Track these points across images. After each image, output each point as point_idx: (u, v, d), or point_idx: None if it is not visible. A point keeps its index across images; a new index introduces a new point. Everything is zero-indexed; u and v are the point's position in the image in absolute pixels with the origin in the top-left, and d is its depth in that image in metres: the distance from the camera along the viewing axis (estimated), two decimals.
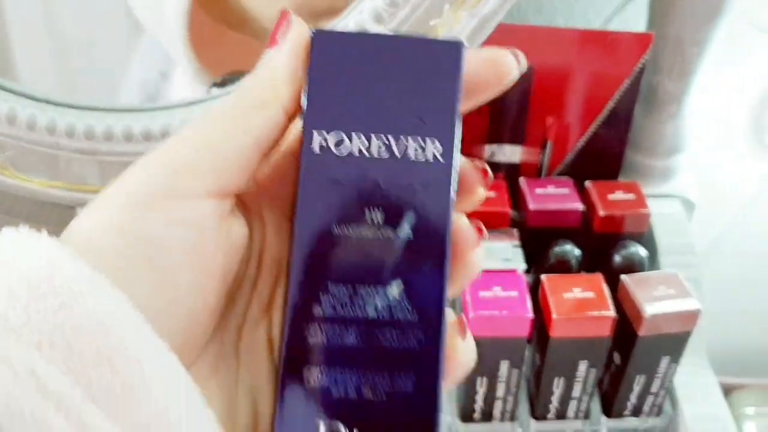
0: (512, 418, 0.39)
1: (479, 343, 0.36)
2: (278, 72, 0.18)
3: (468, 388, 0.37)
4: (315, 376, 0.19)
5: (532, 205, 0.40)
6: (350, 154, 0.20)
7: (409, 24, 0.37)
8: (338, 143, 0.20)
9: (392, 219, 0.19)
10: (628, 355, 0.37)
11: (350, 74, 0.19)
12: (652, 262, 0.42)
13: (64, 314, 0.14)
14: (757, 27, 0.47)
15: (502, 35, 0.38)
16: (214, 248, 0.17)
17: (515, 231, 0.39)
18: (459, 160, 0.19)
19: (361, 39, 0.19)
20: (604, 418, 0.39)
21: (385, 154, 0.20)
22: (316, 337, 0.19)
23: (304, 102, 0.19)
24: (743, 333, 0.61)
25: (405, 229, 0.20)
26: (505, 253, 0.37)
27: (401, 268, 0.19)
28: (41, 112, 0.39)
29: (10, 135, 0.39)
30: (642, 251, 0.40)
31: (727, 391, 0.56)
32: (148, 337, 0.15)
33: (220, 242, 0.17)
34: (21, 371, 0.14)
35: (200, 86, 0.46)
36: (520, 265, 0.37)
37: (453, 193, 0.19)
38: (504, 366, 0.36)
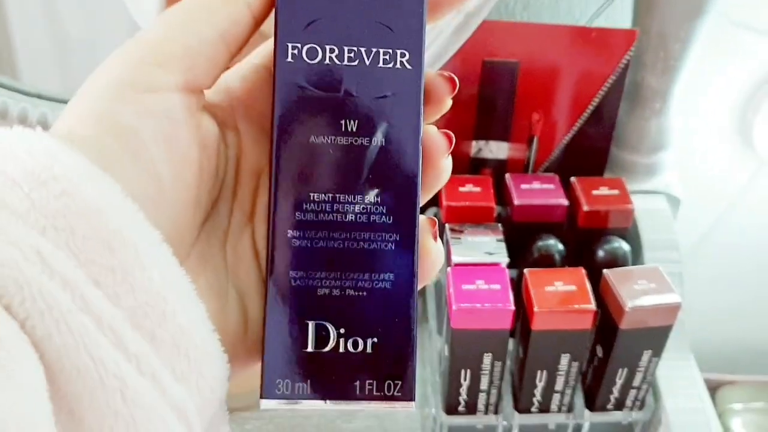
0: (496, 411, 0.39)
1: (463, 335, 0.36)
2: None
3: (452, 380, 0.37)
4: (300, 278, 0.20)
5: (517, 201, 0.40)
6: (322, 63, 0.20)
7: None
8: (310, 53, 0.20)
9: (366, 127, 0.20)
10: (610, 348, 0.37)
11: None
12: (636, 257, 0.42)
13: (66, 200, 0.15)
14: (742, 26, 0.48)
15: (488, 31, 0.38)
16: (188, 140, 0.18)
17: (499, 226, 0.39)
18: (426, 70, 0.20)
19: None
20: (587, 412, 0.40)
21: (355, 62, 0.20)
22: (300, 241, 0.20)
23: (276, 15, 0.20)
24: (730, 330, 0.61)
25: (379, 137, 0.21)
26: (488, 247, 0.38)
27: (377, 174, 0.21)
28: (51, 112, 0.39)
29: None
30: (625, 246, 0.40)
31: (715, 387, 0.57)
32: (142, 224, 0.16)
33: (192, 134, 0.18)
34: (29, 253, 0.14)
35: None
36: (503, 259, 0.37)
37: (422, 101, 0.20)
38: (487, 359, 0.36)
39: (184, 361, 0.16)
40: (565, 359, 0.37)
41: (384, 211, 0.21)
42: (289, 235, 0.20)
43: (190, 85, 0.18)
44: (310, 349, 0.20)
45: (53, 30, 0.51)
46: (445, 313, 0.40)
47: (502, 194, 0.42)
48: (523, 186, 0.41)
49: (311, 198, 0.20)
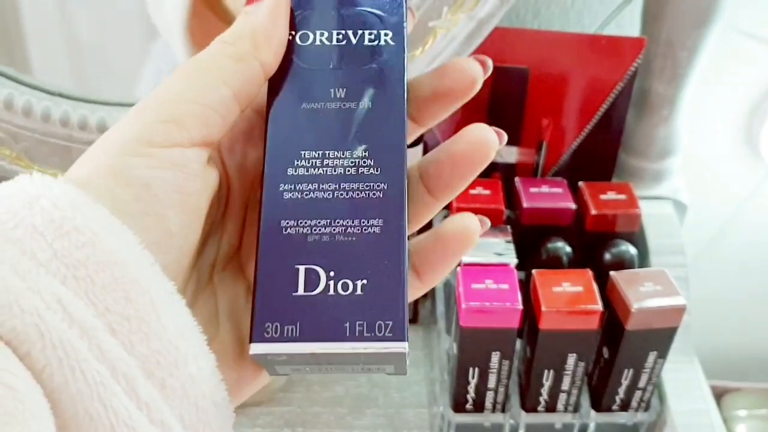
0: (503, 410, 0.40)
1: (471, 333, 0.37)
2: (259, 27, 0.20)
3: (460, 378, 0.38)
4: (291, 227, 0.20)
5: (526, 204, 0.41)
6: (313, 44, 0.22)
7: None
8: (302, 38, 0.22)
9: (353, 93, 0.22)
10: (616, 349, 0.38)
11: None
12: (643, 261, 0.43)
13: (87, 251, 0.16)
14: (750, 35, 0.48)
15: (499, 38, 0.39)
16: (199, 191, 0.19)
17: (508, 228, 0.40)
18: (408, 43, 0.22)
19: None
20: (593, 412, 0.40)
21: (343, 42, 0.22)
22: (291, 194, 0.21)
23: None
24: (735, 337, 0.62)
25: (365, 101, 0.22)
26: (497, 248, 0.39)
27: (364, 133, 0.22)
28: (56, 105, 0.41)
29: (26, 127, 0.41)
30: (632, 250, 0.41)
31: (720, 393, 0.57)
32: (157, 275, 0.17)
33: (203, 184, 0.19)
34: (50, 301, 0.15)
35: None
36: (511, 260, 0.38)
37: (405, 69, 0.22)
38: (495, 357, 0.37)
39: (192, 410, 0.17)
40: (571, 359, 0.38)
41: (372, 163, 0.21)
42: (280, 188, 0.21)
43: (205, 140, 0.19)
44: (300, 292, 0.20)
45: (66, 33, 0.52)
46: (454, 313, 0.41)
47: (511, 198, 0.43)
48: (532, 190, 0.42)
49: (302, 155, 0.21)
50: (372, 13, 0.22)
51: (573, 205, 0.41)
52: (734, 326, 0.61)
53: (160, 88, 0.19)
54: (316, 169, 0.21)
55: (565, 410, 0.40)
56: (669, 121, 0.44)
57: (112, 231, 0.17)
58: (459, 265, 0.38)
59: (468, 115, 0.44)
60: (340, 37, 0.22)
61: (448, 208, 0.43)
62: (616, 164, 0.46)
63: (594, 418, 0.40)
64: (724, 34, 0.42)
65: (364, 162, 0.21)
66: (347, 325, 0.19)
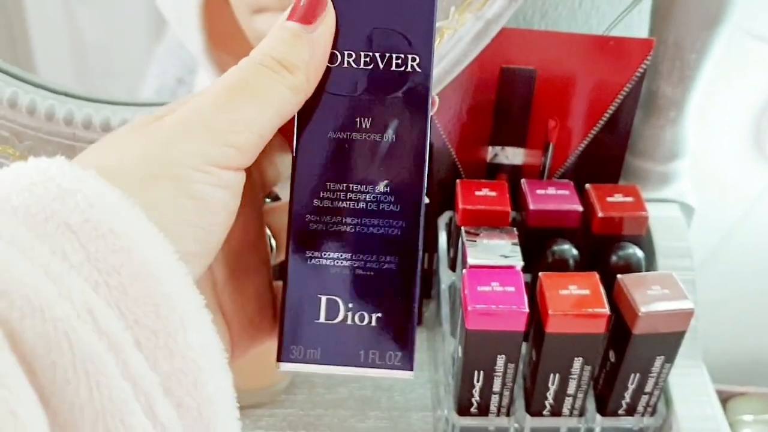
0: (508, 413, 0.39)
1: (477, 336, 0.37)
2: (316, 62, 0.20)
3: (465, 381, 0.38)
4: (315, 257, 0.22)
5: (532, 206, 0.41)
6: (341, 66, 0.23)
7: None
8: (331, 58, 0.23)
9: (378, 124, 0.23)
10: (623, 353, 0.37)
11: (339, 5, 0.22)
12: (650, 264, 0.42)
13: (122, 258, 0.15)
14: (759, 37, 0.48)
15: (506, 39, 0.39)
16: (235, 208, 0.19)
17: (514, 230, 0.40)
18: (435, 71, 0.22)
19: None
20: (599, 417, 0.40)
21: (370, 65, 0.23)
22: (316, 225, 0.22)
23: None
24: (742, 341, 0.61)
25: (389, 134, 0.23)
26: (503, 250, 0.38)
27: (387, 168, 0.23)
28: (60, 104, 0.40)
29: (30, 126, 0.41)
30: (639, 253, 0.41)
31: (726, 398, 0.57)
32: (190, 289, 0.17)
33: (238, 203, 0.20)
34: (81, 309, 0.15)
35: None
36: (518, 262, 0.38)
37: (431, 101, 0.22)
38: (500, 360, 0.37)
39: (204, 430, 0.17)
40: (577, 363, 0.37)
41: (392, 200, 0.23)
42: (307, 219, 0.22)
43: (248, 163, 0.19)
44: (321, 320, 0.22)
45: (71, 32, 0.52)
46: (458, 315, 0.40)
47: (517, 199, 0.43)
48: (539, 191, 0.42)
49: (327, 187, 0.23)
50: (401, 33, 0.22)
51: (580, 208, 0.41)
52: (740, 330, 0.61)
53: (210, 98, 0.19)
54: (340, 202, 0.23)
55: (571, 414, 0.40)
56: (676, 123, 0.44)
57: (150, 239, 0.16)
58: (465, 267, 0.38)
59: (474, 116, 0.44)
60: (368, 60, 0.23)
61: (454, 209, 0.43)
62: (623, 166, 0.46)
63: (600, 422, 0.40)
64: (733, 36, 0.41)
65: (385, 198, 0.23)
66: (362, 352, 0.22)
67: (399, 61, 0.22)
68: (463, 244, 0.39)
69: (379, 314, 0.22)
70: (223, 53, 0.45)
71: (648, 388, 0.39)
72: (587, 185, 0.42)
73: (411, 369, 0.22)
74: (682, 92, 0.42)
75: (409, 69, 0.22)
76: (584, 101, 0.43)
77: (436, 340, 0.45)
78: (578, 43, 0.41)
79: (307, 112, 0.22)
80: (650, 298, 0.36)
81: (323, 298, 0.22)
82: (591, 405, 0.40)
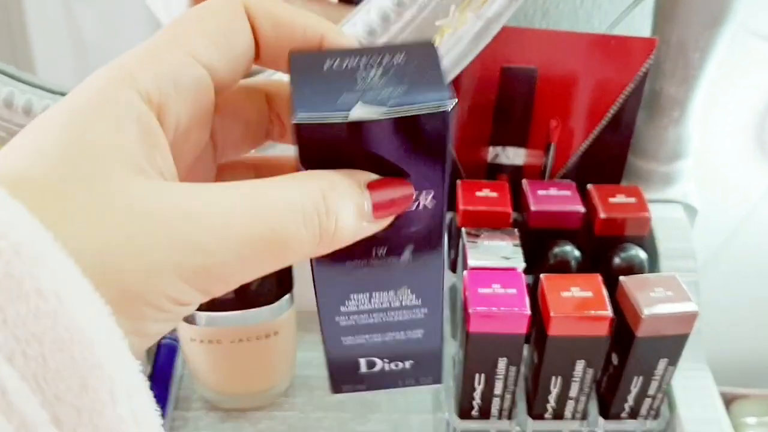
0: (510, 417, 0.39)
1: (478, 339, 0.36)
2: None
3: (466, 384, 0.37)
4: (349, 341, 0.25)
5: (533, 206, 0.40)
6: None
7: (416, 24, 0.37)
8: None
9: (395, 251, 0.23)
10: (626, 356, 0.37)
11: (342, 151, 0.20)
12: (653, 266, 0.42)
13: (46, 323, 0.13)
14: (763, 36, 0.48)
15: (507, 38, 0.39)
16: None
17: (516, 231, 0.39)
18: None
19: (348, 125, 0.20)
20: (601, 420, 0.40)
21: None
22: (346, 321, 0.24)
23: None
24: (745, 342, 0.61)
25: (406, 256, 0.23)
26: (505, 251, 0.38)
27: (406, 276, 0.23)
28: (39, 99, 0.40)
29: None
30: (642, 254, 0.40)
31: (729, 400, 0.56)
32: (124, 353, 0.15)
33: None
34: None
35: None
36: (519, 264, 0.37)
37: (445, 225, 0.22)
38: (502, 363, 0.36)
39: None
40: (580, 366, 0.37)
41: (413, 297, 0.24)
42: (336, 319, 0.24)
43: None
44: (362, 370, 0.25)
45: (71, 33, 0.52)
46: (459, 317, 0.40)
47: (518, 200, 0.42)
48: (540, 192, 0.41)
49: (352, 297, 0.24)
50: (415, 172, 0.21)
51: (582, 208, 0.40)
52: (743, 332, 0.60)
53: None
54: (365, 305, 0.24)
55: (573, 417, 0.39)
56: (680, 123, 0.43)
57: (84, 296, 0.14)
58: (466, 268, 0.37)
59: (475, 116, 0.44)
60: None
61: (454, 210, 0.42)
62: (625, 167, 0.45)
63: (602, 425, 0.40)
64: (736, 36, 0.41)
65: (407, 296, 0.24)
66: (399, 381, 0.26)
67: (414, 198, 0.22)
68: (463, 245, 0.39)
69: (412, 361, 0.25)
70: None
71: (651, 391, 0.38)
72: (589, 186, 0.42)
73: (441, 382, 0.26)
74: (685, 92, 0.42)
75: (421, 204, 0.22)
76: (586, 101, 0.42)
77: None
78: (580, 42, 0.41)
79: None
80: (653, 301, 0.35)
81: (362, 360, 0.25)
82: (593, 408, 0.40)
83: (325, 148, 0.19)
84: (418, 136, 0.20)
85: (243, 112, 0.22)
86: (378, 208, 0.19)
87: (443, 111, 0.19)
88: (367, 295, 0.24)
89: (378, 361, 0.25)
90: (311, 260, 0.22)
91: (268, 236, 0.17)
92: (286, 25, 0.20)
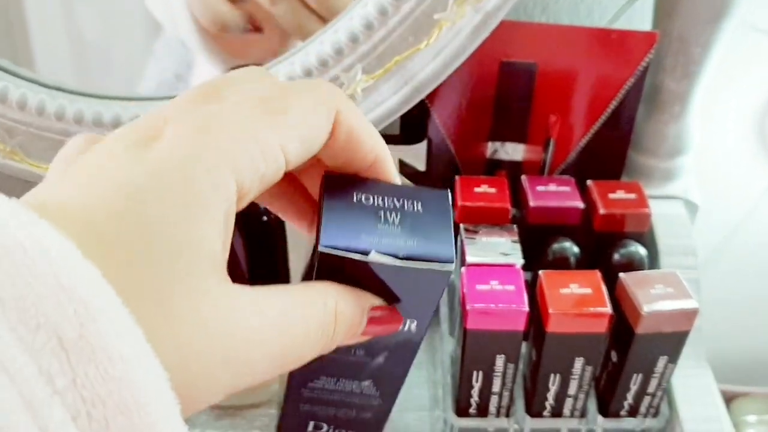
0: (508, 414, 0.39)
1: (476, 336, 0.36)
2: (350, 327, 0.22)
3: (464, 382, 0.37)
4: (306, 409, 0.28)
5: (532, 202, 0.40)
6: None
7: (414, 17, 0.37)
8: None
9: (371, 354, 0.26)
10: (626, 353, 0.36)
11: (352, 277, 0.22)
12: (653, 263, 0.42)
13: (112, 387, 0.14)
14: (764, 31, 0.47)
15: (506, 31, 0.38)
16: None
17: (514, 227, 0.39)
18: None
19: (364, 264, 0.22)
20: (600, 418, 0.39)
21: None
22: (309, 393, 0.27)
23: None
24: (745, 340, 0.60)
25: (379, 360, 0.26)
26: (503, 248, 0.37)
27: (373, 374, 0.27)
28: (51, 99, 0.40)
29: (21, 120, 0.40)
30: (642, 250, 0.40)
31: (729, 399, 0.56)
32: (176, 418, 0.15)
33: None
34: None
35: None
36: (518, 260, 0.37)
37: (422, 340, 0.25)
38: (500, 360, 0.36)
39: None
40: (579, 363, 0.36)
41: (374, 389, 0.27)
42: (301, 391, 0.27)
43: None
44: (309, 430, 0.29)
45: (70, 30, 0.51)
46: (457, 314, 0.40)
47: (516, 196, 0.42)
48: (539, 188, 0.41)
49: (321, 378, 0.27)
50: (406, 302, 0.23)
51: (581, 204, 0.40)
52: (743, 329, 0.60)
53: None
54: (330, 386, 0.27)
55: (572, 415, 0.39)
56: (680, 118, 0.43)
57: (144, 362, 0.14)
58: (463, 265, 0.37)
59: (474, 111, 0.43)
60: None
61: (453, 207, 0.42)
62: (625, 162, 0.45)
63: (601, 423, 0.39)
64: (737, 31, 0.40)
65: (368, 389, 0.27)
66: None
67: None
68: (461, 241, 0.38)
69: None
70: (217, 45, 0.45)
71: (651, 389, 0.38)
72: (589, 181, 0.41)
73: None
74: (686, 87, 0.41)
75: (407, 329, 0.24)
76: (586, 95, 0.42)
77: (434, 339, 0.44)
78: (580, 37, 0.40)
79: None
80: (654, 297, 0.35)
81: (311, 423, 0.28)
82: (592, 406, 0.39)
83: (341, 271, 0.22)
84: (419, 283, 0.23)
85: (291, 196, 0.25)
86: (367, 332, 0.22)
87: (445, 271, 0.22)
88: (335, 379, 0.27)
89: (325, 426, 0.29)
90: None
91: (295, 353, 0.19)
92: (357, 142, 0.21)
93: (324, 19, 0.40)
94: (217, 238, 0.17)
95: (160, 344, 0.15)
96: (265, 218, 0.34)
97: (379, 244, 0.22)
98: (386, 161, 0.22)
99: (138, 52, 0.52)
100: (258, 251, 0.36)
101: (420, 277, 0.22)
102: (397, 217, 0.23)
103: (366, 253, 0.21)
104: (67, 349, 0.13)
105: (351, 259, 0.21)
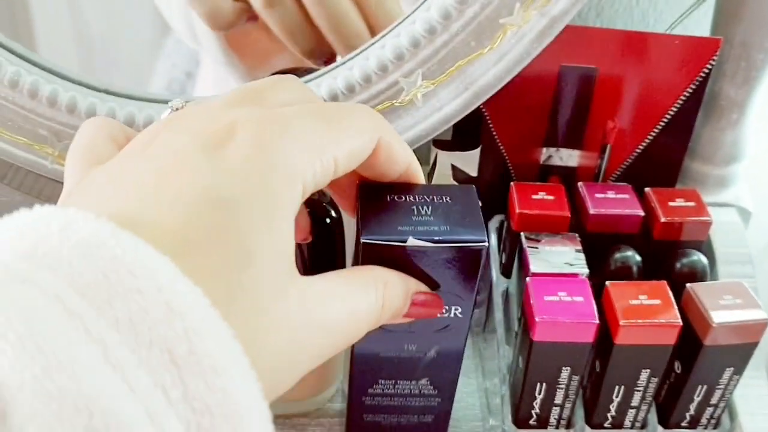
0: (568, 426, 0.38)
1: (543, 348, 0.35)
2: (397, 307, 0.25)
3: (526, 393, 0.36)
4: (369, 418, 0.30)
5: (592, 210, 0.39)
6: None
7: (478, 21, 0.36)
8: None
9: (422, 348, 0.28)
10: (691, 364, 0.36)
11: (394, 267, 0.25)
12: (711, 272, 0.41)
13: (219, 398, 0.15)
14: None
15: (569, 36, 0.38)
16: None
17: (576, 236, 0.38)
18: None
19: (404, 249, 0.25)
20: (660, 429, 0.39)
21: None
22: (370, 401, 0.29)
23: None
24: None
25: (431, 354, 0.28)
26: (567, 257, 0.37)
27: (428, 371, 0.29)
28: (101, 102, 0.39)
29: (68, 124, 0.39)
30: (704, 259, 0.39)
31: None
32: (267, 426, 0.16)
33: None
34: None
35: (234, 79, 0.46)
36: (583, 270, 0.36)
37: (468, 331, 0.28)
38: (565, 372, 0.35)
39: None
40: (644, 375, 0.36)
41: (431, 388, 0.30)
42: (362, 399, 0.29)
43: None
44: None
45: (76, 27, 0.50)
46: (515, 322, 0.39)
47: (571, 203, 0.41)
48: (598, 195, 0.40)
49: (379, 382, 0.29)
50: (450, 291, 0.26)
51: (641, 212, 0.39)
52: None
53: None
54: (390, 390, 0.29)
55: (632, 426, 0.38)
56: (737, 125, 0.42)
57: (244, 374, 0.16)
58: (528, 275, 0.36)
59: (529, 116, 0.42)
60: None
61: (506, 212, 0.41)
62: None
63: None
64: None
65: (425, 387, 0.29)
66: None
67: (445, 308, 0.26)
68: (523, 250, 0.38)
69: None
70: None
71: (714, 400, 0.37)
72: (647, 189, 0.41)
73: None
74: (745, 93, 0.41)
75: (452, 315, 0.27)
76: (644, 102, 0.41)
77: (491, 347, 0.44)
78: (642, 42, 0.40)
79: (364, 338, 0.25)
80: (722, 308, 0.35)
81: None
82: (653, 416, 0.39)
83: (383, 261, 0.24)
84: (456, 265, 0.25)
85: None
86: (411, 314, 0.24)
87: (480, 249, 0.25)
88: (393, 382, 0.29)
89: None
90: (352, 348, 0.27)
91: (354, 331, 0.22)
92: (393, 161, 0.24)
93: (318, 28, 0.39)
94: (292, 240, 0.19)
95: (254, 353, 0.16)
96: (327, 220, 0.34)
97: (414, 231, 0.24)
98: (416, 172, 0.25)
99: (147, 49, 0.51)
100: (320, 249, 0.37)
101: (455, 258, 0.24)
102: (429, 209, 0.25)
103: (404, 240, 0.24)
104: (179, 364, 0.14)
105: (391, 245, 0.24)
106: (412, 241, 0.24)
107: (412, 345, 0.27)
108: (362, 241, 0.24)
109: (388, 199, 0.25)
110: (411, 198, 0.25)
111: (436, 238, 0.24)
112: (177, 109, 0.25)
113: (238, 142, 0.19)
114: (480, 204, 0.25)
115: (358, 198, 0.25)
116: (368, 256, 0.24)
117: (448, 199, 0.25)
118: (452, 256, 0.24)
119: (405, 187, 0.25)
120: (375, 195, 0.25)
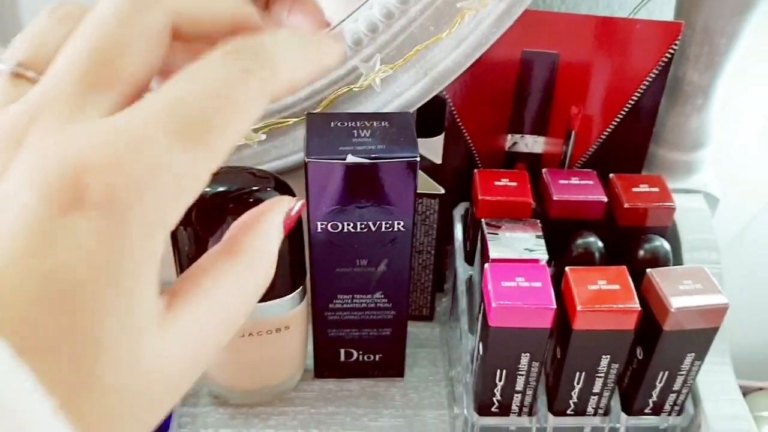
0: (530, 413, 0.38)
1: (500, 334, 0.35)
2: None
3: (486, 380, 0.36)
4: (333, 333, 0.34)
5: (555, 196, 0.39)
6: (342, 231, 0.32)
7: (436, 6, 0.36)
8: (334, 227, 0.31)
9: (373, 262, 0.32)
10: (652, 350, 0.36)
11: (339, 185, 0.29)
12: (676, 257, 0.41)
13: None
14: None
15: (531, 21, 0.37)
16: None
17: (538, 222, 0.38)
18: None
19: (345, 166, 0.29)
20: (623, 416, 0.38)
21: (365, 230, 0.32)
22: (332, 316, 0.34)
23: (307, 200, 0.30)
24: (760, 335, 0.60)
25: (382, 268, 0.32)
26: (527, 243, 0.37)
27: (381, 284, 0.33)
28: None
29: None
30: (666, 245, 0.39)
31: (744, 393, 0.55)
32: None
33: None
34: None
35: None
36: (543, 256, 0.36)
37: (411, 243, 0.33)
38: (525, 359, 0.35)
39: None
40: (605, 361, 0.36)
41: (386, 301, 0.34)
42: (325, 314, 0.33)
43: None
44: (342, 360, 0.36)
45: None
46: (478, 310, 0.39)
47: (536, 189, 0.41)
48: (561, 181, 0.40)
49: (338, 297, 0.33)
50: (389, 206, 0.30)
51: (605, 198, 0.39)
52: (758, 324, 0.59)
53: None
54: (348, 304, 0.33)
55: (595, 414, 0.38)
56: (702, 111, 0.42)
57: None
58: (486, 261, 0.36)
59: (493, 103, 0.42)
60: (363, 227, 0.31)
61: (471, 200, 0.41)
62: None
63: (624, 421, 0.39)
64: (762, 21, 0.40)
65: (381, 300, 0.34)
66: (370, 372, 0.38)
67: (387, 225, 0.31)
68: (483, 237, 0.37)
69: (381, 355, 0.36)
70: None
71: (676, 387, 0.37)
72: (611, 175, 0.40)
73: (402, 375, 0.39)
74: (709, 78, 0.41)
75: (395, 229, 0.31)
76: (608, 87, 0.41)
77: (453, 336, 0.43)
78: (603, 27, 0.39)
79: (317, 256, 0.29)
80: (682, 293, 0.34)
81: (342, 350, 0.35)
82: (616, 403, 0.39)
83: (327, 179, 0.28)
84: (392, 178, 0.28)
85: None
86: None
87: (411, 161, 0.29)
88: (350, 296, 0.32)
89: (354, 352, 0.35)
90: (310, 265, 0.32)
91: (243, 319, 0.20)
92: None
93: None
94: (154, 288, 0.17)
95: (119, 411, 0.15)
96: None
97: (354, 151, 0.28)
98: (246, 16, 0.20)
99: None
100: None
101: (391, 171, 0.28)
102: (368, 132, 0.29)
103: (343, 158, 0.27)
104: None
105: (332, 163, 0.28)
106: (351, 158, 0.27)
107: (363, 260, 0.31)
108: (306, 160, 0.27)
109: (332, 125, 0.29)
110: (352, 123, 0.29)
111: (373, 155, 0.28)
112: (16, 76, 0.19)
113: (87, 206, 0.16)
114: (414, 125, 0.30)
115: (306, 128, 0.28)
116: (314, 175, 0.27)
117: (386, 123, 0.29)
118: (388, 171, 0.28)
119: (347, 115, 0.30)
120: (320, 123, 0.29)
